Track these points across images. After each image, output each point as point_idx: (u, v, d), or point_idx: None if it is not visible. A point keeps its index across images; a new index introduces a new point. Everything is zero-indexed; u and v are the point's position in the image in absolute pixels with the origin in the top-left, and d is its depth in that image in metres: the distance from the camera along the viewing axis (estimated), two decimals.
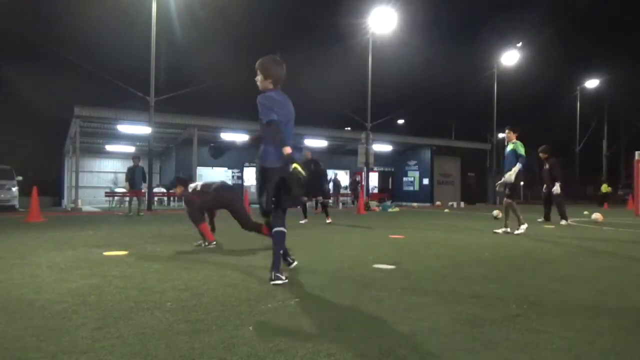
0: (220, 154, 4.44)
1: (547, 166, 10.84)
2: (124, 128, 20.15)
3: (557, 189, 10.57)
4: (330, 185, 20.28)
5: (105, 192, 21.57)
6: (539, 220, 10.99)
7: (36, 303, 2.88)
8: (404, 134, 33.20)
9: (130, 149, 26.38)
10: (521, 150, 7.68)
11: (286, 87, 3.75)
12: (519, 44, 29.15)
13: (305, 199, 10.79)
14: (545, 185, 11.04)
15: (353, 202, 23.66)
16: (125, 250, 5.34)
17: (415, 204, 24.45)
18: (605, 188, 25.97)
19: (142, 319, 2.55)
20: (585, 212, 15.18)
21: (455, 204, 24.35)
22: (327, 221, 10.34)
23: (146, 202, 17.19)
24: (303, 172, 3.36)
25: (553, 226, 9.97)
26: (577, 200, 34.89)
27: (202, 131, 20.92)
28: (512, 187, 7.74)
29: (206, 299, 3.00)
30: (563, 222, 10.26)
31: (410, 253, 5.38)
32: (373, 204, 19.27)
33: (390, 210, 17.64)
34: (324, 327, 2.43)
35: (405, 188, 29.31)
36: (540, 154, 11.03)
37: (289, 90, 3.79)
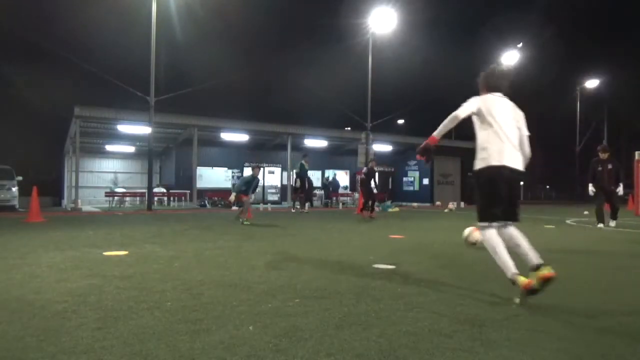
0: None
1: (610, 166, 9.80)
2: (124, 128, 20.15)
3: (621, 189, 9.83)
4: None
5: (105, 192, 21.57)
6: (599, 225, 9.66)
7: (36, 303, 2.87)
8: (404, 134, 33.19)
9: (130, 149, 26.38)
10: None
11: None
12: (519, 45, 29.15)
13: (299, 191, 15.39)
14: (598, 188, 9.77)
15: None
16: (125, 250, 5.34)
17: (415, 204, 24.44)
18: None
19: (142, 319, 2.55)
20: (586, 212, 15.18)
21: (455, 204, 24.33)
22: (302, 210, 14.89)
23: (146, 202, 17.20)
24: None
25: (553, 226, 9.96)
26: (577, 200, 34.89)
27: (202, 131, 20.92)
28: None
29: (206, 299, 3.00)
30: (612, 223, 9.69)
31: (410, 253, 5.38)
32: None
33: (390, 210, 17.63)
34: (324, 327, 2.43)
35: (405, 188, 29.31)
36: (603, 153, 9.99)
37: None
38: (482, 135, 3.24)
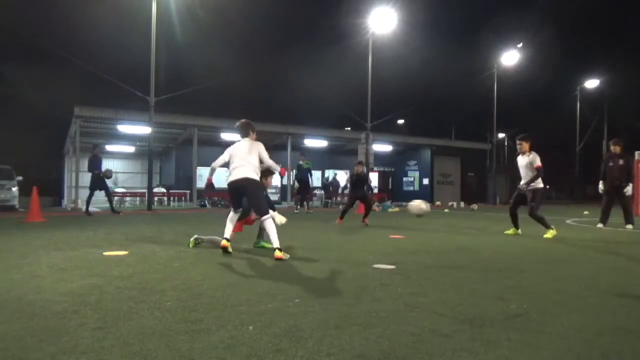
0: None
1: (621, 161, 9.21)
2: (124, 128, 20.14)
3: (629, 189, 9.19)
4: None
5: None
6: (599, 225, 9.38)
7: (36, 303, 2.87)
8: (404, 134, 33.18)
9: (130, 149, 26.39)
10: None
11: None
12: (519, 45, 29.12)
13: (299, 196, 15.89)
14: (608, 184, 9.32)
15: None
16: (125, 250, 5.34)
17: None
18: None
19: (142, 319, 2.55)
20: (586, 212, 15.18)
21: (455, 204, 24.34)
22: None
23: (146, 202, 17.20)
24: None
25: (553, 226, 9.95)
26: (577, 200, 34.92)
27: (202, 131, 20.92)
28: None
29: (206, 299, 3.00)
30: (629, 226, 9.03)
31: (410, 253, 5.38)
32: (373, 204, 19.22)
33: (390, 210, 17.63)
34: (324, 327, 2.43)
35: (405, 188, 29.29)
36: (615, 147, 9.39)
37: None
38: (230, 164, 5.30)
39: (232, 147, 5.46)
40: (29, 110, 34.69)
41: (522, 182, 7.51)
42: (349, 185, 10.85)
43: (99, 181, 12.72)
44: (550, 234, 7.38)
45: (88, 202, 13.03)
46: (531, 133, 8.01)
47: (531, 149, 7.50)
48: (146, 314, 2.63)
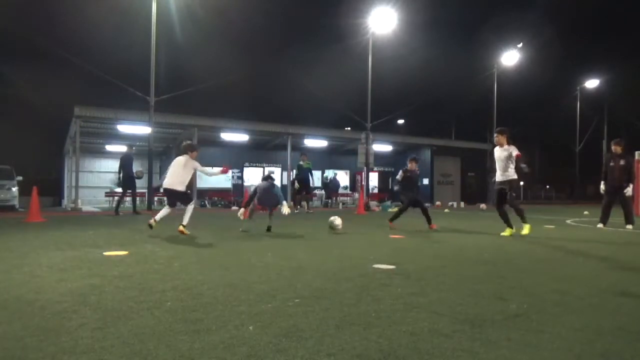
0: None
1: (622, 162, 9.20)
2: (124, 128, 20.14)
3: (630, 190, 9.25)
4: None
5: (105, 192, 21.56)
6: (599, 225, 9.43)
7: (36, 303, 2.87)
8: (404, 134, 33.17)
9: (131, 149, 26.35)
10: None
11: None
12: (520, 45, 29.12)
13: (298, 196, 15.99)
14: (608, 184, 9.38)
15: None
16: (125, 250, 5.33)
17: None
18: None
19: (142, 319, 2.55)
20: (586, 212, 15.19)
21: (455, 204, 24.34)
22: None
23: (146, 202, 17.20)
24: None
25: (553, 226, 9.97)
26: (577, 200, 34.95)
27: (202, 131, 20.93)
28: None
29: (206, 299, 3.00)
30: (629, 226, 9.09)
31: (410, 253, 5.38)
32: (373, 204, 19.27)
33: (390, 210, 17.62)
34: (324, 327, 2.43)
35: None
36: (616, 147, 9.37)
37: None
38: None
39: (175, 159, 7.46)
40: (29, 110, 34.70)
41: (498, 175, 7.72)
42: (397, 184, 9.34)
43: (132, 181, 13.24)
44: (526, 229, 7.56)
45: (134, 202, 14.00)
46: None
47: (509, 142, 7.63)
48: (146, 314, 2.63)
